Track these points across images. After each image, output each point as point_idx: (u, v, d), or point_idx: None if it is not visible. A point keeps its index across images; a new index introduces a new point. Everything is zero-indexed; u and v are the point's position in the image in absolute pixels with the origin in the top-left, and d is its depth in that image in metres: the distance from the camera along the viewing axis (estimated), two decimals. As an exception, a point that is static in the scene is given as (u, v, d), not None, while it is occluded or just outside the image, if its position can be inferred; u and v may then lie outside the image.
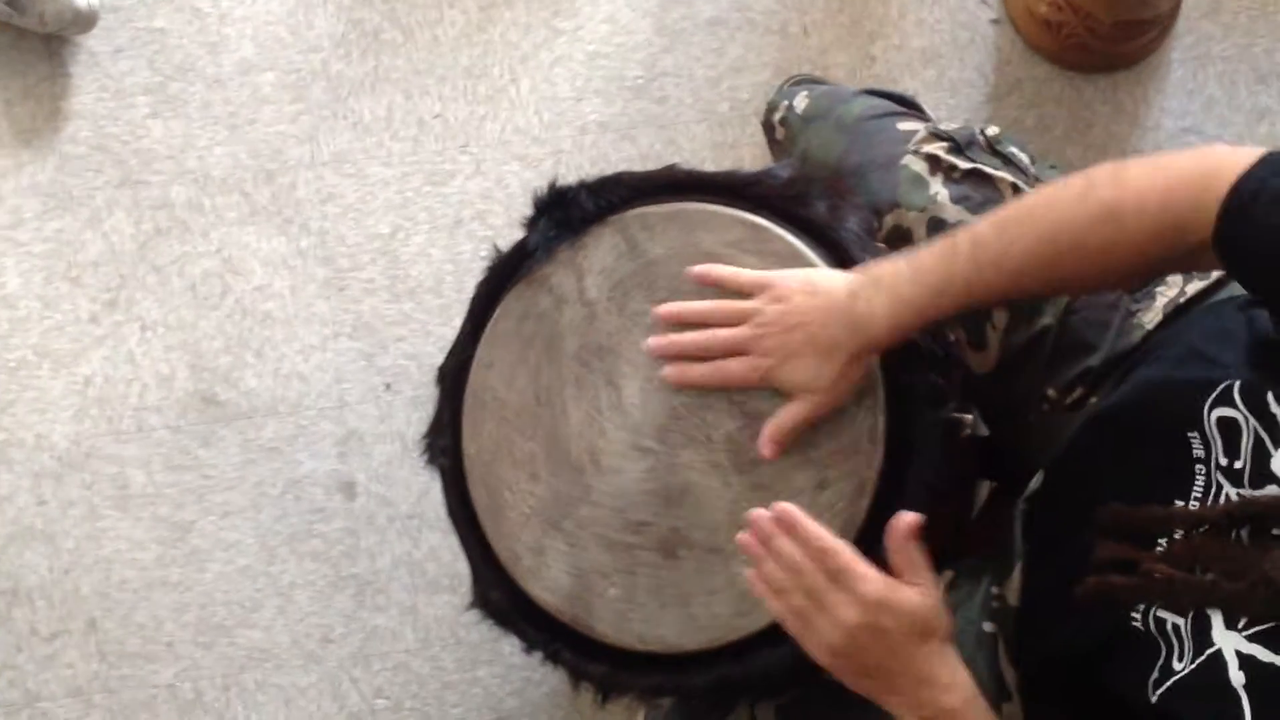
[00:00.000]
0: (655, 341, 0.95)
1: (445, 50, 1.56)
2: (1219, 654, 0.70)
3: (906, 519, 0.85)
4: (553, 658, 0.97)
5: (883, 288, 0.87)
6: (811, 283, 0.91)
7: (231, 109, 1.54)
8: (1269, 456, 0.72)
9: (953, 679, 0.83)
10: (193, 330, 1.53)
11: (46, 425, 1.51)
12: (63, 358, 1.52)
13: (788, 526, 0.85)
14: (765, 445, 0.91)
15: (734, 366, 0.92)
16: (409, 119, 1.55)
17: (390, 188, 1.55)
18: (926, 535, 0.87)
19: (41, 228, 1.53)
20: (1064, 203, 0.82)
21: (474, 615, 1.02)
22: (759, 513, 0.86)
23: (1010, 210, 0.85)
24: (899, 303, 0.86)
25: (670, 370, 0.94)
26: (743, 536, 0.87)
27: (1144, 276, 0.91)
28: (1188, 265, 0.88)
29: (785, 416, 0.91)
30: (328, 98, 1.55)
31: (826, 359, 0.89)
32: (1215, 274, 0.98)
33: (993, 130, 1.06)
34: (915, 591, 0.84)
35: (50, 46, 1.53)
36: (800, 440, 0.92)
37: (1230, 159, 0.76)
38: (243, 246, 1.54)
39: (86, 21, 1.47)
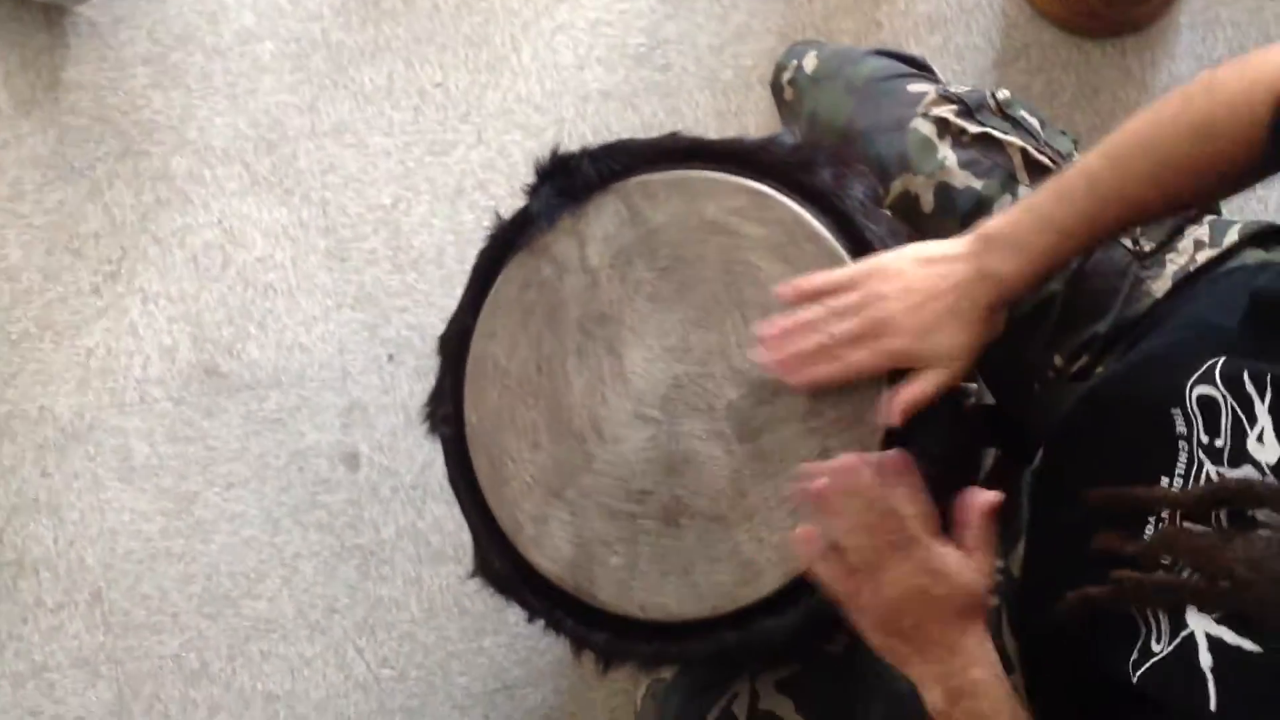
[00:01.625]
0: (770, 357, 0.90)
1: (446, 18, 1.55)
2: (1191, 636, 0.70)
3: (984, 497, 0.85)
4: (555, 626, 0.97)
5: (1008, 242, 0.86)
6: (920, 254, 0.89)
7: (231, 79, 1.53)
8: (1246, 436, 0.71)
9: (984, 654, 0.83)
10: (194, 302, 1.52)
11: (49, 397, 1.51)
12: (65, 330, 1.52)
13: (894, 471, 0.85)
14: (896, 416, 0.88)
15: (863, 356, 0.88)
16: (410, 88, 1.54)
17: (391, 158, 1.54)
18: (937, 507, 0.87)
19: (42, 199, 1.52)
20: (1164, 123, 0.82)
21: (477, 585, 1.02)
22: (814, 465, 0.86)
23: (1118, 138, 0.84)
24: (1031, 252, 0.85)
25: (795, 375, 0.89)
26: (798, 489, 0.87)
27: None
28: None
29: (920, 387, 0.87)
30: (328, 67, 1.54)
31: (967, 324, 0.86)
32: (1226, 243, 0.97)
33: (1003, 94, 1.04)
34: (972, 567, 0.84)
35: (49, 17, 1.52)
36: (803, 409, 0.91)
37: None
38: (244, 218, 1.53)
39: (85, -10, 1.47)
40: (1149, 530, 0.75)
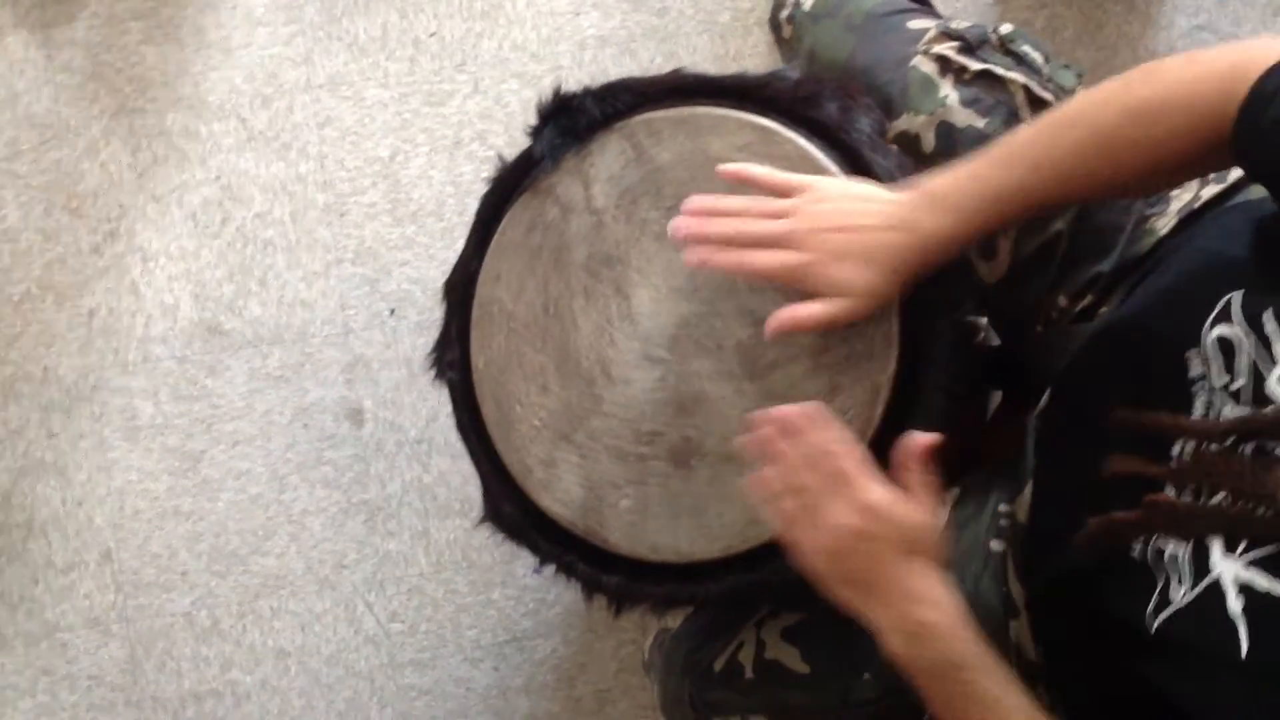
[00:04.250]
0: (681, 223, 0.90)
1: (440, -34, 1.53)
2: (1218, 582, 0.69)
3: (921, 439, 0.84)
4: (566, 570, 0.97)
5: (944, 202, 0.85)
6: (859, 191, 0.88)
7: (224, 33, 1.52)
8: (1265, 376, 0.70)
9: (934, 596, 0.81)
10: (195, 259, 1.52)
11: (53, 358, 1.51)
12: (66, 290, 1.51)
13: (790, 429, 0.84)
14: (771, 323, 0.87)
15: (763, 257, 0.88)
16: (404, 38, 1.53)
17: (388, 109, 1.52)
18: (944, 444, 0.86)
19: (39, 159, 1.51)
20: (1100, 104, 0.81)
21: (486, 538, 1.02)
22: (759, 414, 0.86)
23: (1059, 111, 0.83)
24: (962, 215, 0.84)
25: (693, 253, 0.89)
26: (745, 439, 0.87)
27: (1186, 175, 0.88)
28: (1226, 163, 0.85)
29: (809, 310, 0.87)
30: (321, 18, 1.52)
31: (877, 265, 0.86)
32: (1231, 178, 0.96)
33: (1006, 29, 1.03)
34: (912, 507, 0.83)
35: (38, -27, 1.50)
36: (813, 346, 0.91)
37: (1265, 52, 0.73)
38: (241, 173, 1.52)
39: (74, -55, 1.45)
40: (1173, 460, 0.74)
